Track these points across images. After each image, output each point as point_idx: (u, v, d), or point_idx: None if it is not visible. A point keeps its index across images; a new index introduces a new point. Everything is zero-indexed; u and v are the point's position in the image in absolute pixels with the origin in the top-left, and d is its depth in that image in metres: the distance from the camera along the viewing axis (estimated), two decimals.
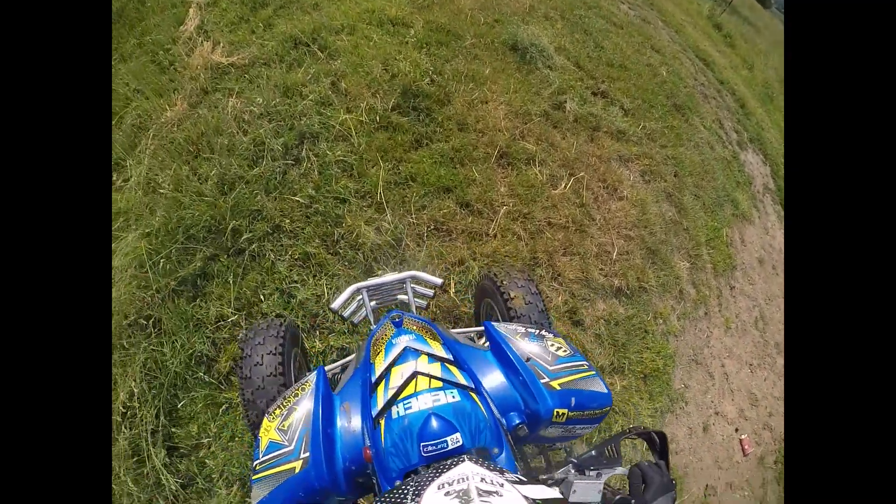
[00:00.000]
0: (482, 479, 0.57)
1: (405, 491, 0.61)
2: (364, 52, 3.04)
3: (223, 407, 1.86)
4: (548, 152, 3.02)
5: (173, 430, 1.81)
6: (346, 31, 3.22)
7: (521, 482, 0.62)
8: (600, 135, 3.40)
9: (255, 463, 1.09)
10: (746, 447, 3.44)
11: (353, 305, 1.67)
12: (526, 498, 0.54)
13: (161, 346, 1.87)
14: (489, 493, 0.53)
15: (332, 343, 2.08)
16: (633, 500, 0.96)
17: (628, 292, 2.93)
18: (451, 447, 0.94)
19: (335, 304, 1.57)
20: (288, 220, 2.25)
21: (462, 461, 0.65)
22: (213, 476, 1.76)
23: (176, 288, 1.99)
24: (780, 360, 4.19)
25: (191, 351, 1.88)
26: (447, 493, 0.54)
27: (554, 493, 0.62)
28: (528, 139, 3.00)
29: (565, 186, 2.92)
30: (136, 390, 1.78)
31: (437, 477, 0.60)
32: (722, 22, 9.80)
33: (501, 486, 0.56)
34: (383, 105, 2.76)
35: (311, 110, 2.63)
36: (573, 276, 2.68)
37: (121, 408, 1.76)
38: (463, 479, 0.57)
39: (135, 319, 1.91)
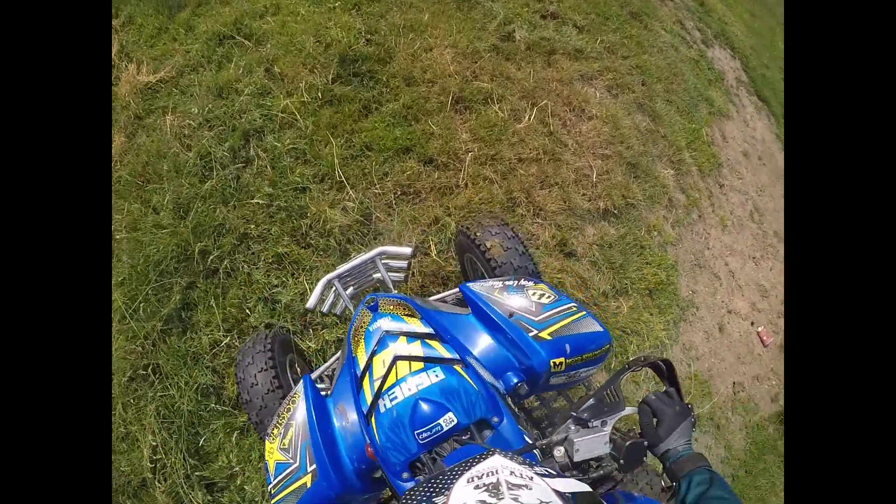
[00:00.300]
0: (511, 473, 0.56)
1: (435, 485, 0.61)
2: (293, 30, 2.80)
3: (243, 430, 1.81)
4: (505, 87, 2.80)
5: (205, 468, 1.76)
6: (270, 12, 2.96)
7: (550, 475, 0.61)
8: (557, 58, 3.15)
9: (269, 488, 1.07)
10: (765, 338, 3.41)
11: (331, 297, 1.57)
12: (555, 491, 0.53)
13: (167, 390, 1.81)
14: (518, 486, 0.52)
15: (327, 338, 1.99)
16: (645, 441, 0.89)
17: (616, 212, 2.79)
18: (446, 428, 0.91)
19: (310, 304, 1.50)
20: (253, 226, 2.11)
21: (492, 454, 0.64)
22: (256, 499, 1.74)
23: (163, 328, 1.91)
24: (782, 248, 4.10)
25: (196, 386, 1.83)
26: (476, 487, 0.53)
27: (584, 486, 0.61)
28: (481, 78, 2.78)
29: (529, 118, 2.72)
30: (157, 441, 1.73)
31: (467, 470, 0.59)
32: None
33: (531, 479, 0.55)
34: (323, 79, 2.55)
35: (250, 104, 2.44)
36: (555, 208, 2.54)
37: (148, 463, 1.71)
38: (492, 472, 0.56)
39: (134, 373, 1.85)
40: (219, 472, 1.76)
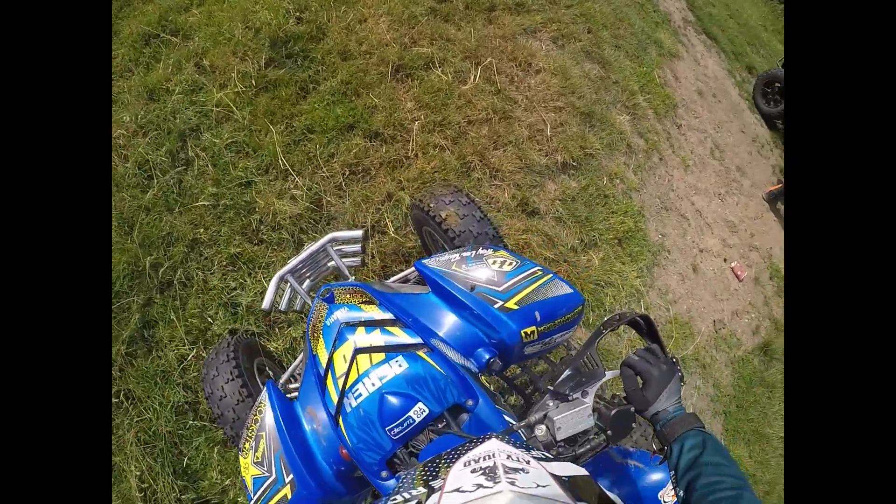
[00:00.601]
0: (508, 457, 0.55)
1: (432, 469, 0.61)
2: (220, 19, 2.62)
3: (225, 443, 1.74)
4: (446, 49, 2.66)
5: (194, 487, 1.69)
6: (195, 3, 2.77)
7: (546, 459, 0.61)
8: (497, 14, 3.00)
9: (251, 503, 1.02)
10: (739, 273, 3.44)
11: (287, 294, 1.47)
12: (552, 475, 0.52)
13: (143, 414, 1.74)
14: (515, 469, 0.51)
15: (294, 335, 1.91)
16: (632, 407, 0.83)
17: (575, 164, 2.72)
18: (418, 420, 0.86)
19: (265, 304, 1.40)
20: (201, 230, 2.00)
21: (489, 438, 0.63)
22: None
23: (127, 351, 1.81)
24: (746, 182, 4.10)
25: (170, 405, 1.75)
26: (473, 471, 0.52)
27: (581, 470, 0.60)
28: (420, 43, 2.63)
29: (475, 79, 2.59)
30: (142, 468, 1.66)
31: (464, 454, 0.59)
32: None
33: (528, 462, 0.55)
34: (255, 66, 2.39)
35: (183, 103, 2.29)
36: (512, 167, 2.45)
37: (137, 493, 1.64)
38: (489, 456, 0.55)
39: None
40: (209, 489, 1.70)
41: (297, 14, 2.65)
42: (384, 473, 0.87)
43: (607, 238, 2.67)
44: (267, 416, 1.03)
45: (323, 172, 2.15)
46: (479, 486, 0.48)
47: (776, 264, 3.77)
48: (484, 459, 0.55)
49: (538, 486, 0.48)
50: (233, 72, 2.37)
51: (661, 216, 3.16)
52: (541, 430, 0.84)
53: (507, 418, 0.92)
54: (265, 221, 2.03)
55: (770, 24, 7.37)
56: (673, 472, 0.75)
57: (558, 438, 0.82)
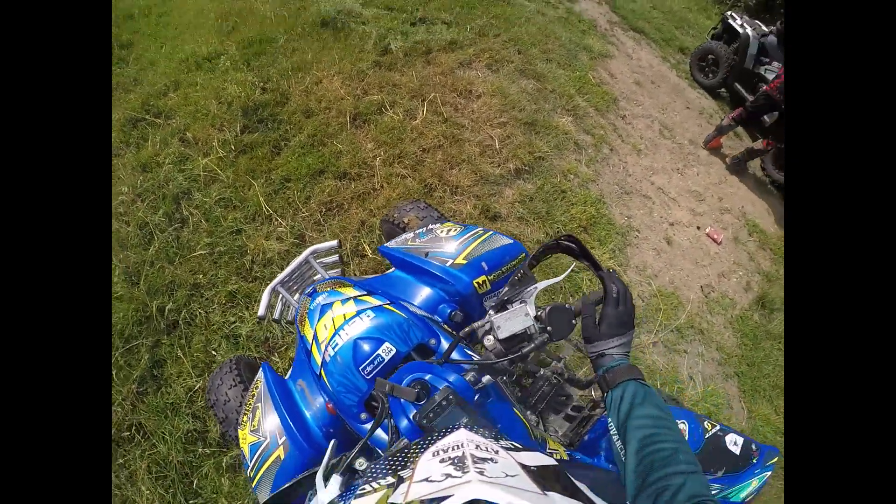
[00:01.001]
0: (477, 447, 0.55)
1: (400, 458, 0.60)
2: (195, 98, 2.97)
3: (235, 466, 1.85)
4: (394, 93, 3.01)
5: None
6: (171, 88, 3.12)
7: (516, 449, 0.60)
8: (434, 55, 3.39)
9: (248, 472, 1.09)
10: (716, 237, 3.49)
11: (279, 306, 1.66)
12: (521, 465, 0.52)
13: (155, 447, 1.85)
14: (484, 459, 0.51)
15: (291, 355, 2.07)
16: (568, 305, 0.88)
17: (527, 168, 3.00)
18: (387, 358, 0.96)
19: (260, 312, 1.54)
20: (201, 275, 2.24)
21: (457, 427, 0.63)
22: None
23: (139, 390, 1.97)
24: (702, 152, 4.28)
25: (180, 434, 1.86)
26: (442, 461, 0.52)
27: (549, 460, 0.59)
28: (371, 92, 2.99)
29: (423, 113, 2.93)
30: (155, 499, 1.75)
31: (433, 444, 0.58)
32: None
33: (496, 452, 0.54)
34: (232, 133, 2.73)
35: (173, 172, 2.58)
36: (469, 182, 2.75)
37: None
38: (458, 446, 0.55)
39: (118, 437, 1.89)
40: None
41: (262, 85, 3.02)
42: (363, 416, 0.95)
43: (571, 227, 2.83)
44: (262, 390, 1.14)
45: (302, 213, 2.43)
46: (448, 475, 0.47)
47: (752, 220, 3.85)
48: (453, 449, 0.54)
49: (507, 475, 0.48)
50: (213, 141, 2.69)
51: (622, 200, 3.30)
52: (489, 341, 0.89)
53: (468, 351, 1.01)
54: (256, 261, 2.27)
55: (694, 5, 7.75)
56: (612, 420, 0.74)
57: (500, 337, 0.87)
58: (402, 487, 0.50)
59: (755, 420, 2.57)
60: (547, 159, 3.16)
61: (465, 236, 1.29)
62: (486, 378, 0.88)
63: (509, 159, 2.99)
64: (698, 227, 3.52)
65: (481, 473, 0.46)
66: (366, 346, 0.96)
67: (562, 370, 1.17)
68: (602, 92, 4.00)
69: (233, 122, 2.79)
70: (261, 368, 1.22)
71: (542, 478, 0.52)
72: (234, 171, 2.57)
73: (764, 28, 4.99)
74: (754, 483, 1.21)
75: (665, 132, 4.20)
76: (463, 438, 0.57)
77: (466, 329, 0.92)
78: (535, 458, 0.57)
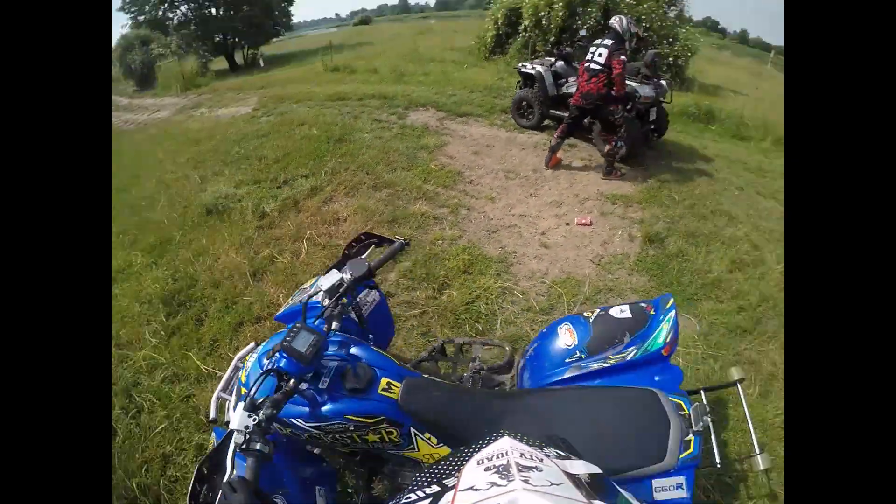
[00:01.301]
0: (521, 455, 0.55)
1: (446, 467, 0.60)
2: (119, 308, 3.52)
3: None
4: (279, 245, 3.86)
5: None
6: None
7: (561, 457, 0.60)
8: (302, 203, 4.35)
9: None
10: (584, 221, 3.91)
11: (228, 407, 1.80)
12: (566, 473, 0.52)
13: None
14: (529, 468, 0.51)
15: None
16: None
17: (397, 258, 3.85)
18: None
19: (212, 415, 1.57)
20: (167, 446, 2.59)
21: (501, 436, 0.63)
22: None
23: None
24: (547, 173, 5.00)
25: None
26: (487, 469, 0.52)
27: (594, 468, 0.60)
28: (261, 251, 3.81)
29: (305, 249, 3.80)
30: None
31: (477, 452, 0.58)
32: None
33: (541, 461, 0.54)
34: (159, 323, 3.35)
35: (118, 370, 3.06)
36: None
37: None
38: (503, 454, 0.55)
39: None
40: None
41: (172, 276, 3.72)
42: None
43: (452, 275, 3.32)
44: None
45: (236, 345, 3.06)
46: (493, 484, 0.47)
47: (610, 193, 4.44)
48: (497, 458, 0.54)
49: (552, 483, 0.48)
50: (144, 333, 3.27)
51: (492, 238, 3.77)
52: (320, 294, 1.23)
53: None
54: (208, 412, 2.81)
55: (504, 73, 9.50)
56: None
57: (324, 288, 1.20)
58: (447, 496, 0.49)
59: (706, 317, 3.06)
60: (414, 238, 3.82)
61: None
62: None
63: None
64: (567, 224, 3.98)
65: (526, 482, 0.46)
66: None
67: (480, 366, 1.44)
68: (445, 173, 4.86)
69: (156, 313, 3.42)
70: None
71: (587, 486, 0.51)
72: (169, 352, 3.17)
73: (551, 59, 6.19)
74: (664, 326, 1.29)
75: (510, 175, 4.92)
76: (507, 447, 0.56)
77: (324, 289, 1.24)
78: (581, 467, 0.57)
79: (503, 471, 0.50)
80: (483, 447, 0.60)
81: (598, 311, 1.38)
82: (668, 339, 1.26)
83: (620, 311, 1.35)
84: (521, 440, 0.62)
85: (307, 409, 1.00)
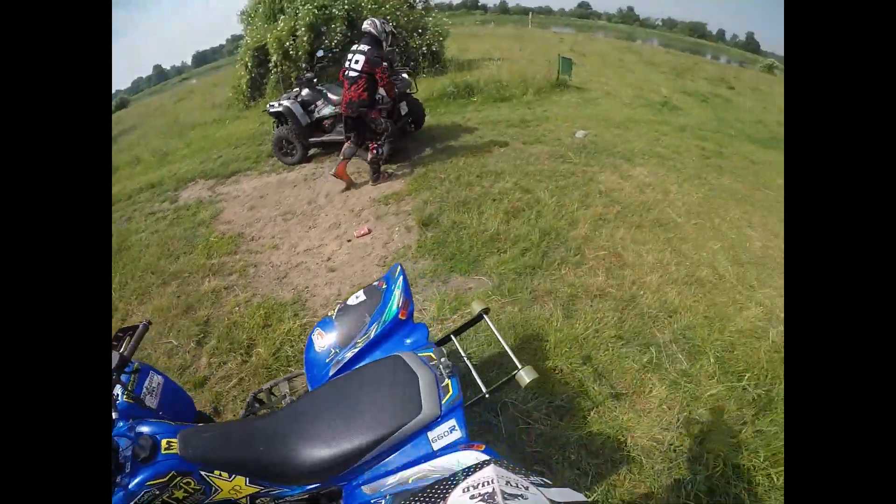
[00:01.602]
0: (507, 483, 0.54)
1: (431, 495, 0.59)
2: None
3: None
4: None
5: None
6: None
7: (546, 485, 0.59)
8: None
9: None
10: (363, 232, 3.95)
11: None
12: (550, 501, 0.53)
13: None
14: (514, 496, 0.51)
15: None
16: None
17: (201, 335, 3.20)
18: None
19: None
20: None
21: (487, 464, 0.63)
22: None
23: None
24: (322, 201, 4.82)
25: None
26: (472, 497, 0.52)
27: (579, 496, 0.60)
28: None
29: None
30: None
31: (463, 480, 0.58)
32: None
33: (527, 489, 0.54)
34: None
35: None
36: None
37: None
38: (488, 482, 0.55)
39: None
40: None
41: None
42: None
43: (255, 333, 3.05)
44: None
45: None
46: None
47: (378, 196, 4.50)
48: (483, 485, 0.54)
49: None
50: None
51: (283, 284, 3.56)
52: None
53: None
54: None
55: (257, 121, 8.89)
56: None
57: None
58: None
59: (494, 270, 3.19)
60: (211, 318, 3.33)
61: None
62: None
63: (190, 338, 3.15)
64: (348, 241, 3.92)
65: None
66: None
67: (290, 399, 1.47)
68: (226, 240, 4.36)
69: None
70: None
71: None
72: None
73: (297, 90, 5.84)
74: (396, 293, 1.35)
75: (287, 216, 4.65)
76: (493, 475, 0.56)
77: None
78: (566, 495, 0.57)
79: (488, 498, 0.51)
80: (469, 475, 0.60)
81: (339, 306, 1.43)
82: (400, 304, 1.31)
83: (356, 298, 1.40)
84: (506, 468, 0.62)
85: (121, 493, 1.01)
